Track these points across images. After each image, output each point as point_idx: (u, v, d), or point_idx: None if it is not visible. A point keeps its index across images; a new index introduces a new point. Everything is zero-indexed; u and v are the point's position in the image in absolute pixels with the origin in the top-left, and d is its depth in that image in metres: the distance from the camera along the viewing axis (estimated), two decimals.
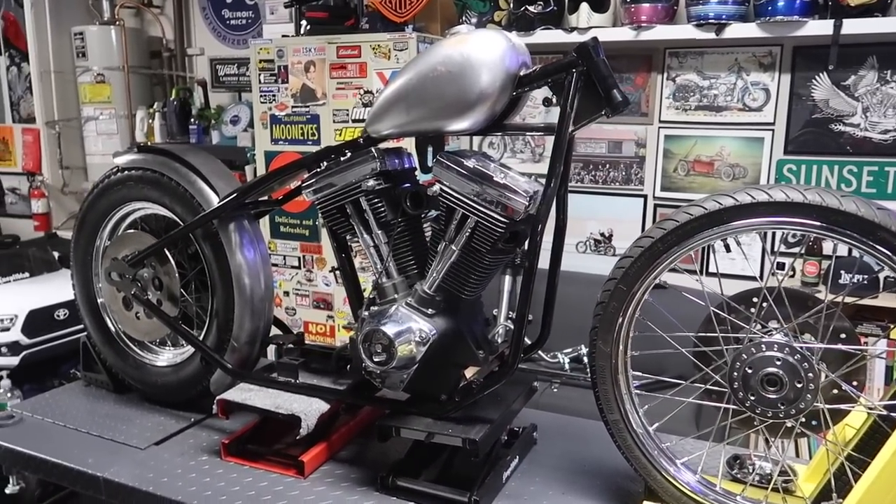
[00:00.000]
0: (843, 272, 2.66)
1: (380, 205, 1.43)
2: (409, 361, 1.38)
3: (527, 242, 1.32)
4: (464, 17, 3.24)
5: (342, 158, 1.46)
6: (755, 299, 1.26)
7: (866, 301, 2.54)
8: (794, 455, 2.41)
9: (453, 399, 1.41)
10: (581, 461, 1.56)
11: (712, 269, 3.01)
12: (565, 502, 1.42)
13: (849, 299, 1.31)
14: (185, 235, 1.68)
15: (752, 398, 1.21)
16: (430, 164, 1.42)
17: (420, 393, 1.45)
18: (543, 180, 1.30)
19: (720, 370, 1.27)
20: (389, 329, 1.37)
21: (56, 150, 4.47)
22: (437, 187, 1.35)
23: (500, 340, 1.49)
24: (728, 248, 1.28)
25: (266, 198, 1.71)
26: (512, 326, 1.43)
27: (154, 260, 1.73)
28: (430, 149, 1.47)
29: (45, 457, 1.59)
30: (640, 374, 1.35)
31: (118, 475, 1.50)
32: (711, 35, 2.82)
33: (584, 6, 2.95)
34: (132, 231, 1.83)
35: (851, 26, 2.61)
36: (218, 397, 1.58)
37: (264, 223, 3.26)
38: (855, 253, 2.65)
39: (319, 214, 1.52)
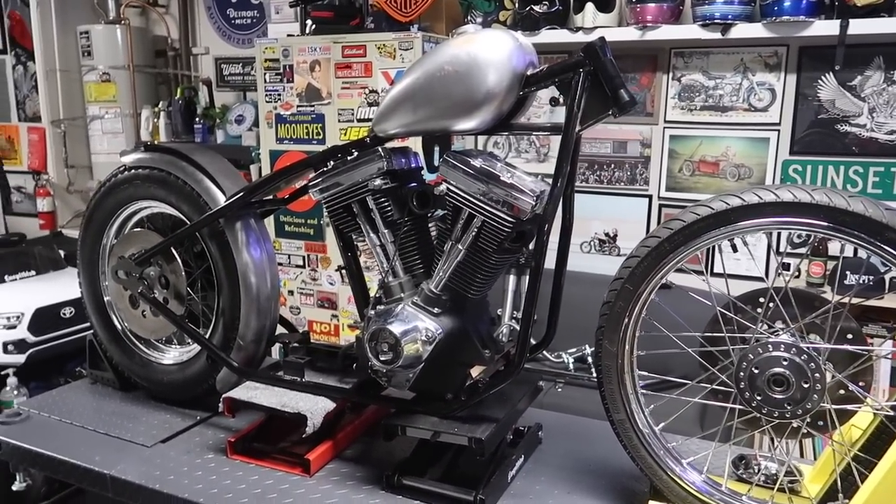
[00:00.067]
0: (848, 273, 2.65)
1: (386, 204, 1.44)
2: (415, 360, 1.38)
3: (533, 242, 1.32)
4: (469, 17, 3.24)
5: (349, 158, 1.46)
6: (762, 299, 1.26)
7: (872, 302, 2.53)
8: (797, 455, 2.41)
9: (459, 398, 1.41)
10: (586, 461, 1.56)
11: (716, 269, 3.01)
12: (571, 502, 1.42)
13: (855, 300, 1.30)
14: (192, 234, 1.69)
15: (759, 398, 1.21)
16: (436, 163, 1.42)
17: (426, 392, 1.45)
18: (549, 180, 1.31)
19: (726, 370, 1.27)
20: (396, 328, 1.37)
21: (61, 148, 4.49)
22: (443, 186, 1.35)
23: (504, 340, 1.49)
24: (735, 249, 1.28)
25: (271, 197, 1.72)
26: (516, 326, 1.44)
27: (161, 258, 1.73)
28: (436, 148, 1.47)
29: (53, 454, 1.60)
30: (645, 373, 1.35)
31: (125, 472, 1.51)
32: (717, 35, 2.81)
33: (590, 6, 2.95)
34: (139, 229, 1.83)
35: (858, 26, 2.61)
36: (224, 395, 1.58)
37: (269, 222, 3.27)
38: (862, 253, 2.65)
39: (326, 213, 1.52)
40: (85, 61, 4.17)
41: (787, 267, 2.96)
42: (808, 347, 1.18)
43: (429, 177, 1.50)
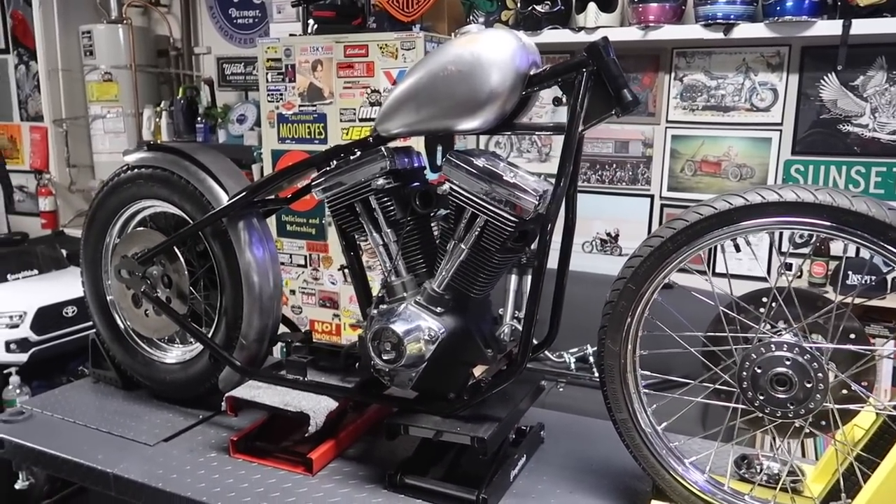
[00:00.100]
0: (850, 273, 2.65)
1: (389, 203, 1.44)
2: (417, 360, 1.39)
3: (536, 242, 1.33)
4: (471, 17, 3.24)
5: (352, 157, 1.46)
6: (764, 299, 1.26)
7: (874, 302, 2.53)
8: (799, 455, 2.41)
9: (462, 397, 1.41)
10: (588, 460, 1.56)
11: (717, 269, 3.01)
12: (573, 501, 1.42)
13: (858, 300, 1.31)
14: (195, 233, 1.69)
15: (762, 398, 1.21)
16: (439, 163, 1.42)
17: (428, 391, 1.45)
18: (552, 180, 1.31)
19: (729, 370, 1.27)
20: (399, 327, 1.37)
21: (63, 148, 4.49)
22: (446, 186, 1.35)
23: (506, 340, 1.49)
24: (738, 248, 1.28)
25: (274, 196, 1.72)
26: (518, 326, 1.44)
27: (164, 257, 1.74)
28: (439, 148, 1.47)
29: (56, 453, 1.60)
30: (648, 373, 1.35)
31: (128, 471, 1.51)
32: (719, 35, 2.81)
33: (592, 6, 2.95)
34: (142, 228, 1.83)
35: (860, 26, 2.61)
36: (227, 394, 1.58)
37: (270, 222, 3.27)
38: (864, 253, 2.65)
39: (328, 213, 1.53)
40: (87, 61, 4.18)
41: (789, 267, 2.96)
42: (810, 347, 1.18)
43: (431, 176, 1.50)
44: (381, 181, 1.41)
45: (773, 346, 1.20)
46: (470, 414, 1.41)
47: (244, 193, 1.62)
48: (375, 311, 1.44)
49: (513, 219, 1.29)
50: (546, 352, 2.67)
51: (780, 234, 2.91)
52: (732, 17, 2.78)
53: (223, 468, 1.52)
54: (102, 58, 4.12)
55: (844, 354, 1.21)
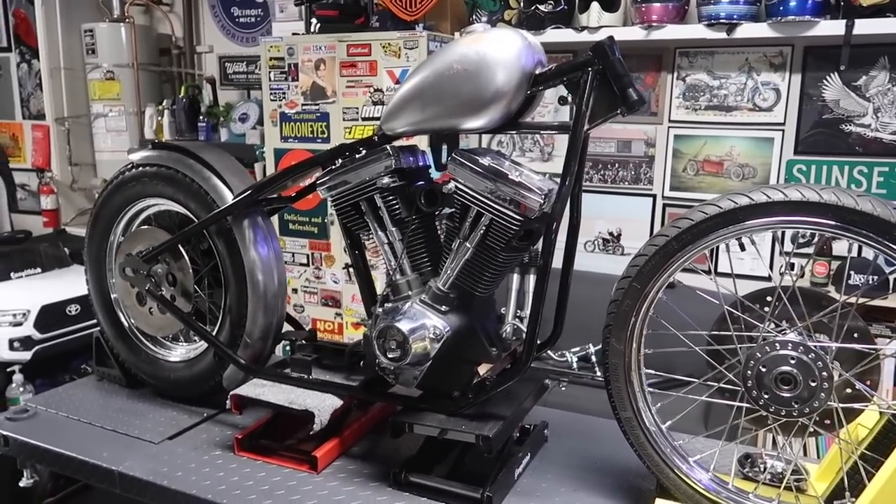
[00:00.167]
0: (852, 272, 2.66)
1: (394, 202, 1.44)
2: (422, 358, 1.39)
3: (541, 240, 1.33)
4: (474, 16, 3.24)
5: (357, 156, 1.47)
6: (769, 298, 1.26)
7: (877, 302, 2.54)
8: (801, 454, 2.41)
9: (466, 396, 1.42)
10: (592, 458, 1.57)
11: (720, 269, 3.01)
12: (577, 499, 1.42)
13: (862, 299, 1.31)
14: (199, 232, 1.69)
15: (766, 397, 1.22)
16: (444, 161, 1.43)
17: (433, 389, 1.46)
18: (557, 179, 1.31)
19: (734, 369, 1.27)
20: (404, 325, 1.37)
21: (65, 146, 4.50)
22: (452, 185, 1.35)
23: (509, 338, 1.49)
24: (742, 248, 1.28)
25: (278, 195, 1.72)
26: (520, 324, 1.44)
27: (168, 256, 1.74)
28: (444, 147, 1.47)
29: (61, 450, 1.60)
30: (652, 372, 1.35)
31: (133, 469, 1.51)
32: (722, 35, 2.81)
33: (595, 5, 2.94)
34: (146, 227, 1.84)
35: (863, 26, 2.61)
36: (231, 392, 1.59)
37: (273, 221, 3.27)
38: (867, 253, 2.65)
39: (333, 211, 1.53)
40: (89, 59, 4.18)
41: (793, 267, 2.96)
42: (815, 346, 1.18)
43: (436, 175, 1.51)
44: (386, 180, 1.41)
45: (777, 344, 1.20)
46: (474, 412, 1.42)
47: (249, 192, 1.63)
48: (380, 310, 1.44)
49: (518, 217, 1.29)
50: (548, 351, 2.67)
51: (783, 233, 2.91)
52: (735, 16, 2.78)
53: (228, 466, 1.53)
54: (104, 56, 4.13)
55: (849, 353, 1.21)
